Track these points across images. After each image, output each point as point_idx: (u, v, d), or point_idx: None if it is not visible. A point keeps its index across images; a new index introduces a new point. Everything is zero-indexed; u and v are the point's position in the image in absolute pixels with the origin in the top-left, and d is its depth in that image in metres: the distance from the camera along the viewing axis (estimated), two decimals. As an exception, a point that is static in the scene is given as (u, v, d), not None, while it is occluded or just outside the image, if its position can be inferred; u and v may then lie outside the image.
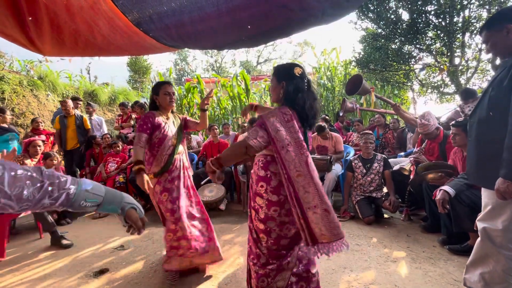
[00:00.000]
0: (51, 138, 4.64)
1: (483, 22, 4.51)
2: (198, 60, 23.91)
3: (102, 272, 2.20)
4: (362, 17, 5.57)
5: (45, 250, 2.71)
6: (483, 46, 3.86)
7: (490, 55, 4.84)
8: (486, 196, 1.40)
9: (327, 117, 4.91)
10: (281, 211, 1.41)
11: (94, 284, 2.04)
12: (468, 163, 1.53)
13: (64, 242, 2.74)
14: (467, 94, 3.62)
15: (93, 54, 2.50)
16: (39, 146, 3.55)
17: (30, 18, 1.65)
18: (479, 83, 5.25)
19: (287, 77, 1.48)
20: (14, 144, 3.97)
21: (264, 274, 1.45)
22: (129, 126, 5.41)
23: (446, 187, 2.10)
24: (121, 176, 4.14)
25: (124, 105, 5.58)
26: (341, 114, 5.55)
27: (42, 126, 4.57)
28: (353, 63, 6.64)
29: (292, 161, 1.34)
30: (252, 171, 1.57)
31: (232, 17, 1.84)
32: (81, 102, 5.42)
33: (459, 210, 2.12)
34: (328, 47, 11.64)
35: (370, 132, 3.29)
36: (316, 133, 4.04)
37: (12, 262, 2.48)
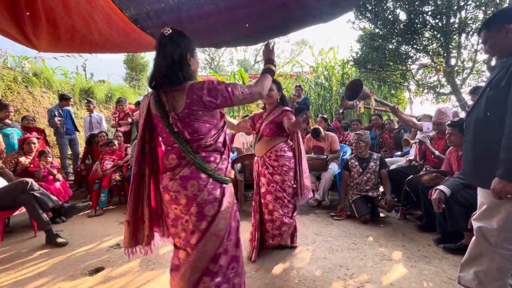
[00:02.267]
0: (42, 135, 4.58)
1: (480, 23, 4.55)
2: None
3: (98, 270, 2.19)
4: (360, 17, 5.57)
5: (40, 248, 2.69)
6: (481, 46, 3.89)
7: (485, 56, 4.89)
8: (482, 196, 1.42)
9: (325, 116, 4.93)
10: None
11: (90, 282, 2.02)
12: (465, 162, 1.54)
13: (59, 240, 2.72)
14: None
15: (89, 50, 2.48)
16: (34, 143, 3.51)
17: (28, 13, 1.62)
18: (474, 84, 5.29)
19: (281, 89, 2.32)
20: (15, 140, 3.95)
21: (292, 210, 2.30)
22: (127, 124, 5.36)
23: (441, 187, 2.12)
24: (117, 174, 4.11)
25: (121, 102, 5.51)
26: (340, 111, 5.56)
27: (32, 124, 4.52)
28: (351, 63, 6.66)
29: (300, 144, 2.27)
30: (276, 157, 2.22)
31: (231, 15, 1.83)
32: (69, 100, 5.17)
33: (454, 210, 2.14)
34: (326, 47, 11.66)
35: (363, 132, 3.29)
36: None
37: (6, 260, 2.45)
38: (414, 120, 3.66)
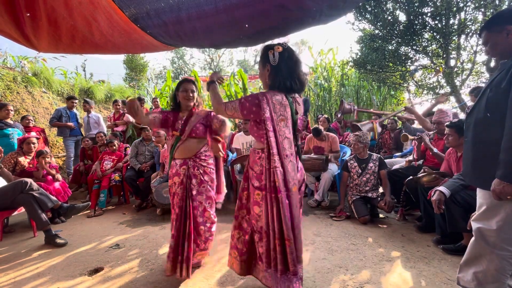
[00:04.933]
0: (42, 134, 4.59)
1: (479, 24, 4.55)
2: (195, 59, 23.75)
3: (97, 270, 2.19)
4: (360, 18, 5.57)
5: (39, 248, 2.68)
6: (482, 47, 3.88)
7: (485, 57, 4.90)
8: (481, 197, 1.42)
9: (328, 117, 4.97)
10: None
11: (89, 282, 2.02)
12: (464, 163, 1.54)
13: (58, 240, 2.71)
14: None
15: (89, 51, 2.47)
16: (33, 143, 3.51)
17: (28, 14, 1.62)
18: (473, 85, 5.30)
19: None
20: (16, 139, 3.96)
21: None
22: (123, 123, 5.38)
23: (441, 188, 2.12)
24: (116, 174, 4.10)
25: (116, 102, 5.56)
26: (339, 115, 5.59)
27: (32, 123, 4.53)
28: (350, 64, 6.67)
29: None
30: (205, 157, 2.14)
31: (230, 15, 1.83)
32: (76, 101, 5.37)
33: (454, 211, 2.15)
34: (325, 48, 11.68)
35: (361, 133, 3.28)
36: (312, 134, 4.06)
37: (5, 260, 2.45)
38: (428, 121, 3.55)
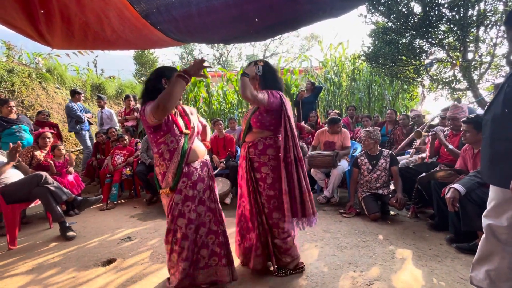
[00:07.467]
0: (55, 130, 4.69)
1: (499, 15, 4.35)
2: (204, 54, 23.78)
3: (109, 262, 2.25)
4: (372, 10, 5.41)
5: (55, 239, 2.78)
6: (504, 40, 3.71)
7: (504, 50, 4.69)
8: (493, 192, 1.38)
9: (339, 113, 4.92)
10: None
11: (102, 272, 2.08)
12: (482, 160, 1.49)
13: (68, 234, 2.78)
14: None
15: (101, 47, 2.51)
16: (49, 138, 3.62)
17: (42, 11, 1.65)
18: (492, 79, 5.09)
19: None
20: (23, 135, 4.03)
21: None
22: (133, 118, 5.46)
23: (456, 185, 2.06)
24: (128, 169, 4.19)
25: (128, 98, 5.65)
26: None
27: (47, 119, 4.65)
28: (362, 58, 6.52)
29: None
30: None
31: (239, 10, 1.81)
32: (82, 95, 5.42)
33: (469, 209, 2.08)
34: (335, 42, 11.44)
35: (372, 129, 3.20)
36: (326, 126, 4.00)
37: (23, 250, 2.56)
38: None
